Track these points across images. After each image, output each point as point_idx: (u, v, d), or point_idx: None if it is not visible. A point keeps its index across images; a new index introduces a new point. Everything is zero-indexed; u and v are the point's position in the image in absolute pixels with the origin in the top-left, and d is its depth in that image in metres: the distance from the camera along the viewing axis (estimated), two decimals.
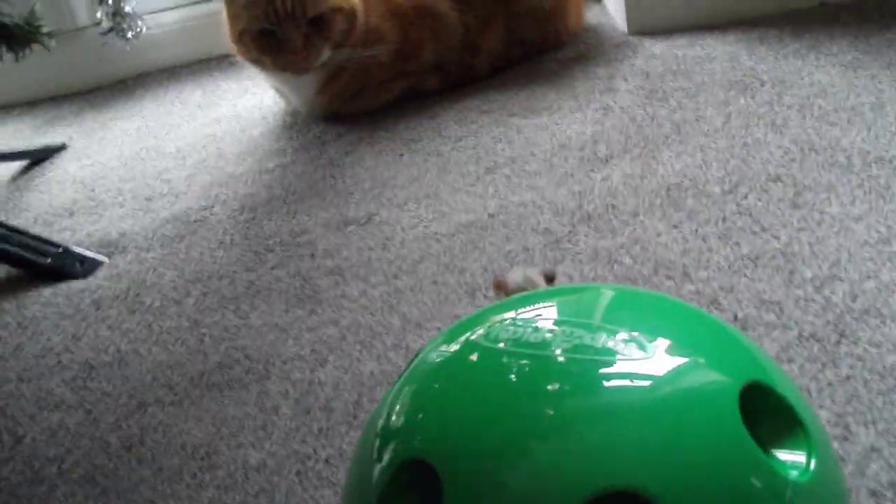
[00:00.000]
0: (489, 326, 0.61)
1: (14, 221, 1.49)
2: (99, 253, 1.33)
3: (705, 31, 1.67)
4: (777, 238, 1.05)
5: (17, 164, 1.75)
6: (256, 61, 1.57)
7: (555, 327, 0.59)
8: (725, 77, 1.47)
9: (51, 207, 1.52)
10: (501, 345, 0.59)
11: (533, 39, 1.71)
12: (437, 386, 0.60)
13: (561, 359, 0.57)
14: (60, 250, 1.32)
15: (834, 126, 1.26)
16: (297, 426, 0.92)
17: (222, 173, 1.51)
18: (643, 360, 0.56)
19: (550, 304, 0.65)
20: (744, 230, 1.07)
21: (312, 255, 1.21)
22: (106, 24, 1.96)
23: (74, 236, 1.40)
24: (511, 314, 0.62)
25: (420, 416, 0.58)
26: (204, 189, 1.47)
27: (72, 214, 1.48)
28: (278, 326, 1.08)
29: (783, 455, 0.58)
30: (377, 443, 0.59)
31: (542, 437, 0.54)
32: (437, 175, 1.35)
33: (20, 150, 1.77)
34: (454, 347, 0.61)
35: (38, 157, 1.76)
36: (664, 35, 1.70)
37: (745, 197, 1.14)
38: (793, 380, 0.81)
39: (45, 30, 1.34)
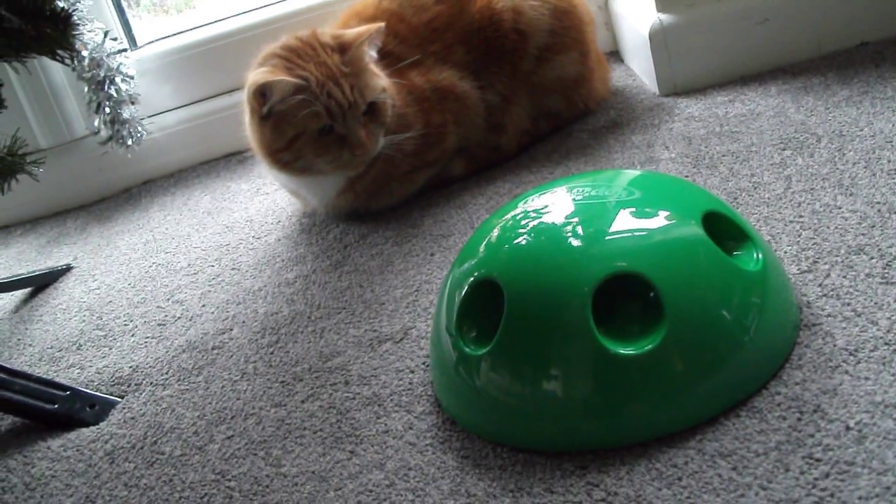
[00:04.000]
0: (525, 202, 0.98)
1: (19, 359, 1.37)
2: (111, 393, 1.21)
3: (743, 85, 1.55)
4: (875, 323, 0.91)
5: (21, 292, 1.64)
6: (306, 168, 1.42)
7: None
8: (776, 135, 1.35)
9: (57, 341, 1.40)
10: (531, 208, 0.96)
11: (560, 110, 1.59)
12: (495, 234, 0.96)
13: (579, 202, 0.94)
14: (68, 394, 1.19)
15: None
16: None
17: (239, 289, 1.39)
18: (635, 201, 0.93)
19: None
20: (833, 317, 0.94)
21: (346, 383, 1.07)
22: (105, 133, 1.87)
23: (83, 374, 1.27)
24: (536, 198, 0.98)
25: (486, 252, 0.95)
26: (220, 309, 1.34)
27: (79, 348, 1.36)
28: (316, 475, 0.94)
29: (739, 255, 0.93)
30: (458, 273, 0.96)
31: (567, 248, 0.89)
32: None
33: (23, 276, 1.65)
34: (497, 219, 0.99)
35: (43, 283, 1.64)
36: (699, 93, 1.58)
37: (828, 275, 1.00)
38: None
39: (31, 157, 1.22)
